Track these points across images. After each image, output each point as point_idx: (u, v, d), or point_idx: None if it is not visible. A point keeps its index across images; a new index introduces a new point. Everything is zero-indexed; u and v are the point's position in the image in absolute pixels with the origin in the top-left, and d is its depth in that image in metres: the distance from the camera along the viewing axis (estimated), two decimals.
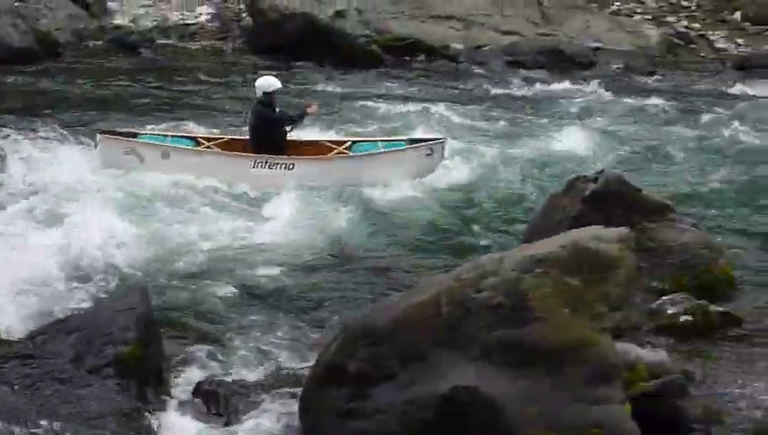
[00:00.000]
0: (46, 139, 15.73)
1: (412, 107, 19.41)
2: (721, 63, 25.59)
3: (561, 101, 21.23)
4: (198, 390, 8.32)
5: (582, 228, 7.52)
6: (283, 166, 14.70)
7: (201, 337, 9.72)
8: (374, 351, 7.14)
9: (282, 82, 15.47)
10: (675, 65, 25.16)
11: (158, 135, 15.71)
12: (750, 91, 22.92)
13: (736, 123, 19.28)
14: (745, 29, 28.39)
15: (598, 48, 25.57)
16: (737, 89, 23.19)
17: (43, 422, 6.90)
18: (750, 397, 8.04)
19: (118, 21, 26.41)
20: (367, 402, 7.03)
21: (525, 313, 6.81)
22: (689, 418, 7.04)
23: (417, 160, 15.16)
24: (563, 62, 24.55)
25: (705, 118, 19.90)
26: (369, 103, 20.07)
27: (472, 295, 6.99)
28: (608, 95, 21.78)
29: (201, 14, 27.28)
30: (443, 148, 15.40)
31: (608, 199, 10.32)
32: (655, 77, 24.03)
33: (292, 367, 9.07)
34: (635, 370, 7.46)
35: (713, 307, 9.46)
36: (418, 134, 16.63)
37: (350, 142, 15.66)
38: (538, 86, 22.72)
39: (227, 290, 11.06)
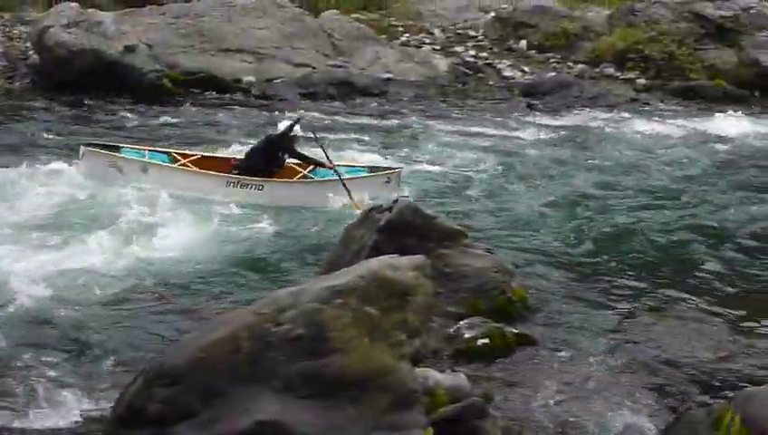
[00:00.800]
0: None
1: (200, 142, 19.31)
2: (508, 91, 26.40)
3: (351, 131, 21.40)
4: None
5: (379, 257, 7.56)
6: (254, 187, 15.53)
7: None
8: (173, 390, 6.97)
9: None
10: (464, 94, 25.78)
11: (138, 149, 16.49)
12: (536, 117, 23.73)
13: (524, 148, 19.92)
14: (531, 57, 29.40)
15: (389, 79, 25.97)
16: (524, 114, 23.96)
17: None
18: (547, 414, 8.26)
19: None
20: None
21: (325, 344, 6.78)
22: None
23: (376, 187, 15.89)
24: (355, 93, 24.85)
25: (493, 143, 20.45)
26: (165, 132, 19.87)
27: (271, 329, 6.92)
28: (399, 124, 22.10)
29: None
30: (399, 176, 16.14)
31: (403, 228, 10.42)
32: (444, 105, 24.50)
33: (90, 410, 8.75)
34: (435, 395, 7.52)
35: (509, 329, 9.67)
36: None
37: (313, 166, 16.42)
38: (329, 117, 22.86)
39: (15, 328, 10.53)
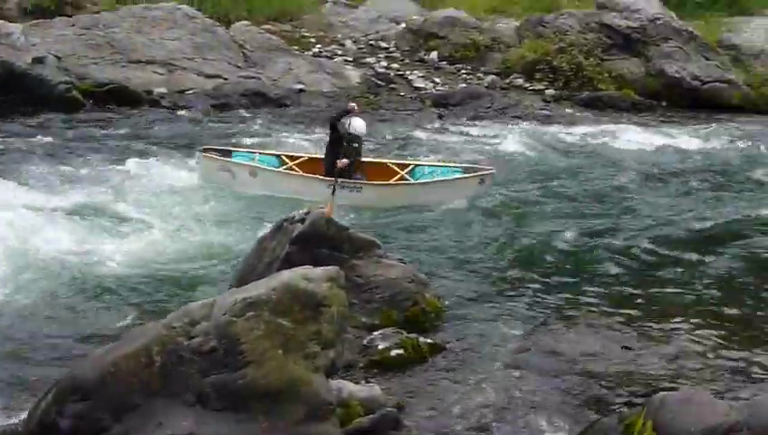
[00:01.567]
0: None
1: (109, 153, 19.12)
2: (420, 101, 26.48)
3: (264, 141, 21.28)
4: None
5: (292, 269, 7.56)
6: (353, 189, 16.07)
7: None
8: (84, 405, 6.90)
9: None
10: (376, 104, 25.81)
11: (249, 152, 17.54)
12: (447, 127, 23.88)
13: (437, 157, 20.05)
14: (442, 68, 29.57)
15: (301, 90, 25.93)
16: (436, 125, 24.08)
17: None
18: (460, 422, 8.32)
19: None
20: None
21: (238, 356, 6.77)
22: None
23: (471, 187, 16.70)
24: (267, 103, 24.73)
25: (406, 154, 20.54)
26: (75, 144, 19.65)
27: (184, 343, 6.89)
28: (310, 135, 22.06)
29: None
30: (492, 177, 16.91)
31: (315, 239, 10.43)
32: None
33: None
34: (349, 406, 7.56)
35: (422, 339, 9.73)
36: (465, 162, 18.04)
37: (412, 166, 17.33)
38: (240, 127, 22.74)
39: None
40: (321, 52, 29.68)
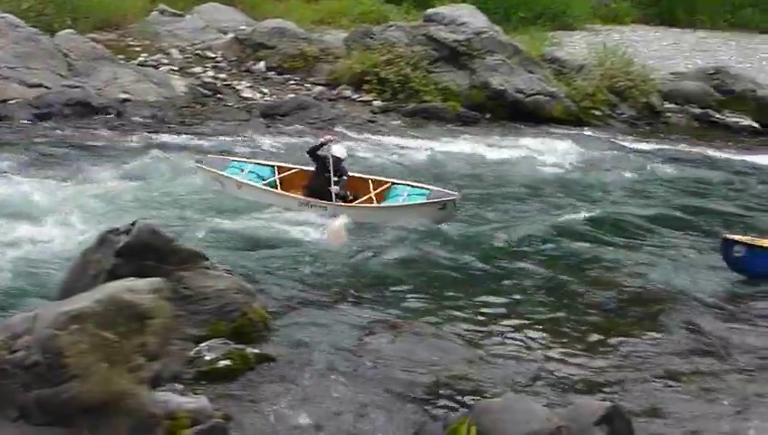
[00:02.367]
0: None
1: None
2: (248, 112, 26.40)
3: (87, 151, 20.86)
4: None
5: (117, 281, 7.48)
6: (320, 208, 16.82)
7: None
8: None
9: None
10: (203, 115, 25.62)
11: (244, 162, 18.75)
12: (275, 138, 23.88)
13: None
14: (270, 78, 29.59)
15: (126, 99, 25.53)
16: (263, 135, 24.03)
17: None
18: (289, 432, 8.37)
19: None
20: None
21: (62, 370, 6.66)
22: None
23: (432, 212, 16.75)
24: (92, 113, 24.24)
25: None
26: None
27: (6, 356, 6.74)
28: (135, 145, 21.78)
29: None
30: (454, 203, 16.95)
31: (141, 250, 10.30)
32: (183, 127, 24.26)
33: None
34: (176, 418, 7.51)
35: (249, 349, 9.74)
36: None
37: (389, 184, 17.84)
38: (63, 137, 22.26)
39: None
40: (146, 61, 29.34)
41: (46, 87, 25.27)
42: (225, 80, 28.85)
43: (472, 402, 8.68)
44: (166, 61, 29.72)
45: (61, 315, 6.87)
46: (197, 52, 31.02)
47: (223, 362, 9.43)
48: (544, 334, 11.61)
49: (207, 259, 11.02)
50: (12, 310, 10.49)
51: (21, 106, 24.20)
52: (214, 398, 8.64)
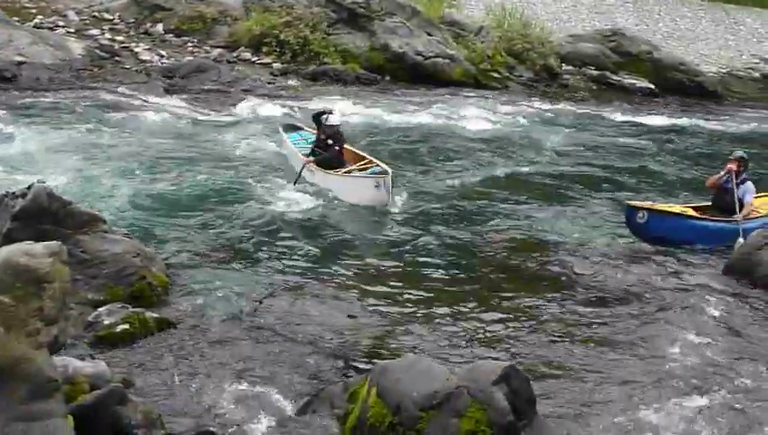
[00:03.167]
0: None
1: None
2: (146, 74, 26.05)
3: None
4: None
5: (13, 245, 7.37)
6: (311, 173, 16.82)
7: None
8: None
9: None
10: (101, 77, 25.23)
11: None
12: (173, 100, 23.64)
13: (160, 132, 19.90)
14: (168, 41, 29.21)
15: (22, 62, 24.99)
16: (162, 98, 23.78)
17: None
18: (187, 396, 8.38)
19: None
20: None
21: None
22: (131, 424, 7.18)
23: (368, 190, 15.81)
24: None
25: (129, 128, 20.28)
26: None
27: None
28: (30, 109, 21.38)
29: None
30: (387, 179, 15.72)
31: (38, 214, 10.19)
32: (80, 89, 23.87)
33: None
34: (75, 383, 7.48)
35: (149, 314, 9.71)
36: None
37: (368, 160, 17.18)
38: None
39: None
40: (42, 23, 28.71)
41: None
42: (122, 42, 28.37)
43: (372, 364, 8.76)
44: (62, 23, 29.12)
45: None
46: (94, 14, 30.46)
47: (121, 327, 9.40)
48: (445, 296, 11.75)
49: (106, 222, 10.95)
50: None
51: None
52: (112, 362, 8.62)
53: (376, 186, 15.62)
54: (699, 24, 41.15)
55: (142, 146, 18.86)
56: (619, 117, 27.12)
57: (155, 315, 9.76)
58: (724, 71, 35.69)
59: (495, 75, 30.72)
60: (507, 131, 23.50)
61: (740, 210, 14.72)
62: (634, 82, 32.16)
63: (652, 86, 32.02)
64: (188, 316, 10.19)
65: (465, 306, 11.36)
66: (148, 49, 28.14)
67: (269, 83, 26.76)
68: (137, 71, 26.32)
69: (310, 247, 13.48)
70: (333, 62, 28.81)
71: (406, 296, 11.62)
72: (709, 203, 15.30)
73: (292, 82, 27.27)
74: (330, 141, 17.10)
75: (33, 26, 28.01)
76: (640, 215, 14.37)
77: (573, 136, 23.70)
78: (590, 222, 15.69)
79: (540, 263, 13.42)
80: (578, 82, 32.04)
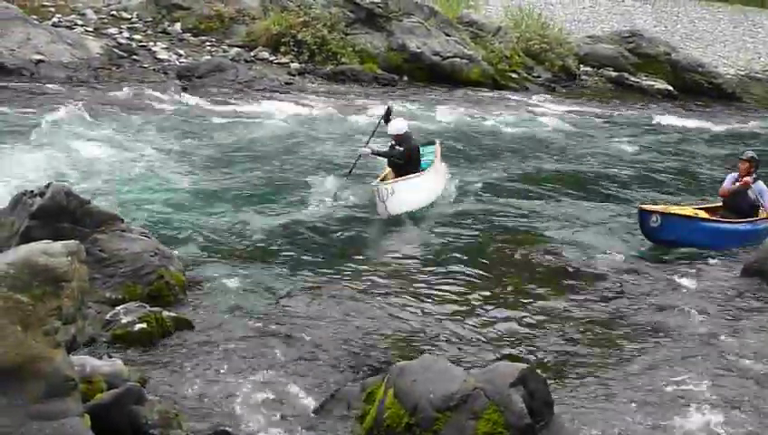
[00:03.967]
0: None
1: None
2: (164, 73, 26.13)
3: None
4: None
5: (32, 243, 7.38)
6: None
7: None
8: None
9: None
10: (119, 76, 25.31)
11: None
12: (191, 100, 23.69)
13: (182, 132, 19.89)
14: (186, 40, 29.28)
15: (40, 60, 25.09)
16: (180, 97, 23.83)
17: None
18: (205, 394, 8.37)
19: None
20: None
21: None
22: (148, 424, 7.18)
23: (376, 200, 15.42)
24: (4, 74, 23.82)
25: (152, 126, 20.31)
26: None
27: None
28: (50, 106, 21.41)
29: None
30: (380, 193, 15.16)
31: (56, 213, 10.20)
32: (99, 87, 23.95)
33: None
34: (92, 382, 7.48)
35: (166, 313, 9.70)
36: None
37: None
38: None
39: None
40: (60, 21, 28.83)
41: None
42: (140, 41, 28.48)
43: (389, 365, 8.74)
44: (80, 22, 29.23)
45: None
46: (113, 12, 30.58)
47: (139, 326, 9.38)
48: (462, 297, 11.72)
49: (123, 221, 10.95)
50: None
51: None
52: (130, 361, 8.63)
53: (377, 198, 15.31)
54: (718, 25, 40.99)
55: (160, 145, 18.89)
56: (636, 118, 27.11)
57: (172, 315, 9.76)
58: (742, 73, 35.55)
59: (513, 76, 30.75)
60: (524, 132, 23.49)
61: (758, 212, 14.73)
62: (652, 83, 32.10)
63: (670, 88, 31.98)
64: (206, 316, 10.19)
65: (482, 308, 11.33)
66: (166, 48, 28.24)
67: (287, 83, 26.79)
68: (154, 70, 26.41)
69: (328, 248, 13.49)
70: (351, 63, 28.87)
71: (423, 298, 11.58)
72: (720, 204, 15.24)
73: (309, 83, 27.29)
74: (395, 144, 16.26)
75: (52, 25, 28.11)
76: (654, 219, 14.31)
77: (591, 137, 23.67)
78: (607, 223, 15.65)
79: (556, 265, 13.35)
80: (596, 84, 32.03)
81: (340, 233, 14.31)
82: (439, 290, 11.93)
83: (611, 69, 32.66)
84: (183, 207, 15.01)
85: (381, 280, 12.19)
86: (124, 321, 9.42)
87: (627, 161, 21.24)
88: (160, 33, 29.60)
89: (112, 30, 28.91)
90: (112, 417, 7.09)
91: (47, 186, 10.56)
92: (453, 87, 28.64)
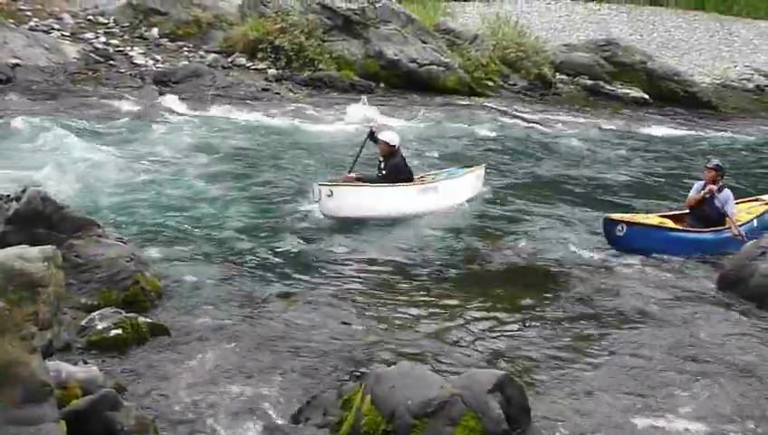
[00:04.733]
0: None
1: None
2: (140, 79, 26.07)
3: None
4: None
5: (7, 248, 7.35)
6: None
7: None
8: None
9: None
10: (96, 81, 25.24)
11: None
12: (168, 105, 23.67)
13: (157, 137, 19.85)
14: (163, 45, 29.22)
15: (16, 65, 25.00)
16: (157, 102, 23.80)
17: None
18: (182, 401, 8.35)
19: None
20: None
21: None
22: (123, 430, 7.15)
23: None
24: None
25: (126, 132, 20.27)
26: None
27: None
28: (26, 111, 21.36)
29: None
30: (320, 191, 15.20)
31: (32, 218, 10.17)
32: (74, 92, 23.87)
33: None
34: (68, 387, 7.45)
35: (141, 319, 9.67)
36: None
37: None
38: None
39: None
40: (37, 26, 28.72)
41: None
42: (117, 46, 28.43)
43: (366, 371, 8.73)
44: (57, 26, 29.14)
45: None
46: (90, 17, 30.49)
47: (114, 332, 9.36)
48: (439, 304, 11.72)
49: (100, 227, 10.92)
50: None
51: None
52: (105, 367, 8.60)
53: (314, 195, 15.32)
54: (694, 34, 41.17)
55: (135, 150, 18.87)
56: (611, 127, 27.20)
57: (148, 320, 9.74)
58: (718, 81, 35.71)
59: (490, 83, 30.82)
60: (499, 140, 23.54)
61: (725, 221, 14.80)
62: (628, 91, 32.22)
63: (646, 96, 32.09)
64: (181, 322, 10.17)
65: (459, 314, 11.31)
66: (143, 53, 28.19)
67: (264, 89, 26.77)
68: (131, 75, 26.35)
69: (304, 255, 13.46)
70: (328, 69, 28.88)
71: (399, 304, 11.58)
72: (687, 211, 15.28)
73: (286, 89, 27.28)
74: (382, 161, 16.03)
75: (29, 29, 28.01)
76: (619, 228, 14.36)
77: (565, 145, 23.74)
78: (583, 232, 15.68)
79: (532, 271, 13.40)
80: (572, 92, 32.10)
81: (316, 239, 14.29)
82: (416, 296, 11.93)
83: (587, 77, 32.75)
84: (159, 212, 14.98)
85: (357, 286, 12.19)
86: (99, 327, 9.39)
87: (599, 169, 21.30)
88: (137, 38, 29.54)
89: (89, 35, 28.83)
90: (88, 423, 7.06)
91: (23, 190, 10.52)
92: (430, 94, 28.67)
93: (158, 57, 28.11)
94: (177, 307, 10.59)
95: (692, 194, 15.22)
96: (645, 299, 12.19)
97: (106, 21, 30.32)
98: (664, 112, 30.71)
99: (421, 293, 12.11)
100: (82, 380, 7.66)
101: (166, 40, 29.55)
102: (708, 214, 14.89)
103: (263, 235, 14.24)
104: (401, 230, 15.02)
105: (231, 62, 28.70)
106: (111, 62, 27.12)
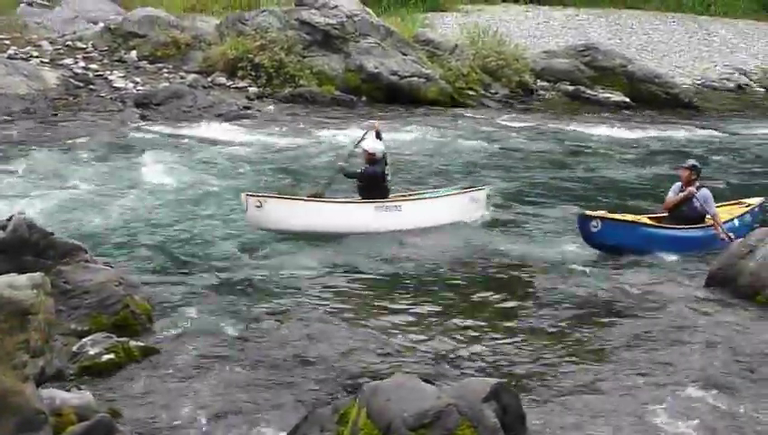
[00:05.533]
0: None
1: None
2: (121, 102, 26.04)
3: None
4: None
5: None
6: None
7: None
8: None
9: None
10: (76, 106, 25.20)
11: None
12: (150, 128, 23.64)
13: (139, 162, 19.84)
14: (143, 68, 29.19)
15: None
16: (138, 125, 23.77)
17: None
18: (176, 423, 8.32)
19: None
20: None
21: None
22: None
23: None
24: None
25: (108, 157, 20.23)
26: None
27: None
28: (7, 139, 21.32)
29: None
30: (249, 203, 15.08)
31: (19, 246, 10.14)
32: (56, 118, 23.84)
33: None
34: (62, 414, 7.43)
35: (133, 342, 9.66)
36: None
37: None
38: None
39: None
40: (16, 54, 28.66)
41: None
42: (96, 70, 28.37)
43: (361, 385, 8.72)
44: (36, 53, 29.07)
45: None
46: (68, 43, 30.43)
47: (106, 356, 9.35)
48: (431, 315, 11.73)
49: (87, 252, 10.89)
50: None
51: None
52: (99, 392, 8.58)
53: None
54: (672, 36, 41.39)
55: (119, 174, 18.83)
56: (593, 131, 27.24)
57: (139, 344, 9.72)
58: (698, 82, 35.92)
59: (471, 93, 30.88)
60: (482, 149, 23.56)
61: (704, 220, 14.84)
62: (609, 95, 32.34)
63: (627, 99, 32.22)
64: (173, 344, 10.14)
65: (451, 324, 11.33)
66: (123, 76, 28.15)
67: (245, 107, 26.77)
68: (112, 99, 26.32)
69: (293, 272, 13.44)
70: (309, 85, 28.90)
71: (392, 316, 11.58)
72: (665, 214, 15.26)
73: (268, 106, 27.30)
74: (366, 166, 15.98)
75: (7, 57, 27.95)
76: (594, 223, 14.36)
77: (547, 151, 23.83)
78: (570, 237, 15.69)
79: (522, 279, 13.43)
80: (553, 98, 32.23)
81: (305, 256, 14.28)
82: (408, 308, 11.95)
83: (568, 83, 32.89)
84: (145, 235, 14.96)
85: (348, 301, 12.19)
86: (91, 352, 9.37)
87: (582, 174, 21.39)
88: (116, 61, 29.50)
89: (68, 60, 28.77)
90: None
91: (9, 219, 10.48)
92: (412, 106, 28.71)
93: (138, 80, 28.07)
94: (169, 329, 10.55)
95: (670, 196, 15.20)
96: (636, 302, 12.22)
97: (84, 46, 30.27)
98: (645, 115, 30.82)
99: (412, 305, 12.11)
100: (77, 406, 7.64)
101: (145, 62, 29.52)
102: (687, 214, 14.90)
103: (251, 254, 14.25)
104: (390, 244, 15.00)
105: (211, 81, 28.69)
106: (92, 86, 27.07)
